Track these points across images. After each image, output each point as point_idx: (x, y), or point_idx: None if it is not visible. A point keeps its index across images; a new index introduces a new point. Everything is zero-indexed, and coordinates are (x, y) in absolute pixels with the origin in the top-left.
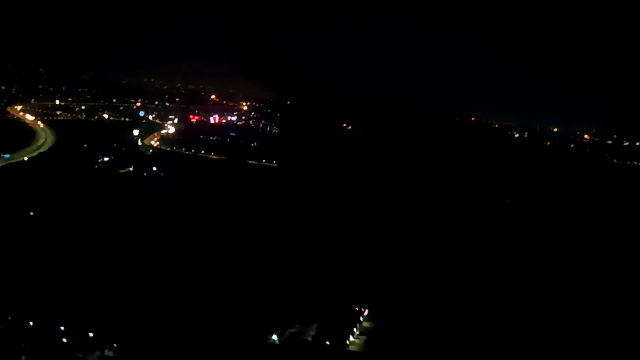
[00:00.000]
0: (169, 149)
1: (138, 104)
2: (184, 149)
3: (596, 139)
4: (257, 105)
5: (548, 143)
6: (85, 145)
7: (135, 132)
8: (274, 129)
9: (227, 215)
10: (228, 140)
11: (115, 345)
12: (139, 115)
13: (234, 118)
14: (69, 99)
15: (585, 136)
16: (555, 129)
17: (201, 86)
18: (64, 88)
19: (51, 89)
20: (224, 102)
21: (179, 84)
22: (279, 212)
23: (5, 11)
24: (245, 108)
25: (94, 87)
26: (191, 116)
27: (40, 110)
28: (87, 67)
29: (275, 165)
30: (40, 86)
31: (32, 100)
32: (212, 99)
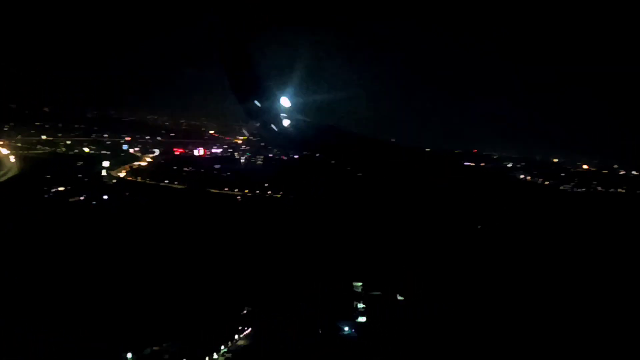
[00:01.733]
0: (136, 179)
1: (127, 139)
2: (148, 179)
3: (594, 169)
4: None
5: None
6: (47, 176)
7: (105, 163)
8: (258, 160)
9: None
10: (202, 170)
11: None
12: (122, 148)
13: (219, 150)
14: (58, 135)
15: (584, 166)
16: (556, 160)
17: (204, 122)
18: (60, 125)
19: (46, 125)
20: (224, 137)
21: (182, 121)
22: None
23: (10, 52)
24: (239, 142)
25: (94, 124)
26: (175, 149)
27: (21, 145)
28: (93, 105)
29: (239, 193)
30: (37, 123)
31: (19, 135)
32: (211, 134)
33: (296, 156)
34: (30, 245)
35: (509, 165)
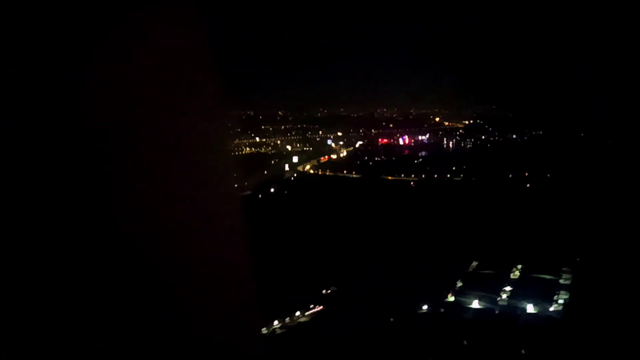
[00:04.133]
0: (318, 171)
1: (337, 134)
2: (328, 171)
3: None
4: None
5: None
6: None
7: (295, 158)
8: (468, 144)
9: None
10: (394, 158)
11: None
12: (327, 143)
13: (425, 137)
14: (274, 136)
15: None
16: None
17: (434, 110)
18: (285, 126)
19: (271, 128)
20: (447, 123)
21: (411, 111)
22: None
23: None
24: (460, 126)
25: (319, 123)
26: (380, 140)
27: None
28: (323, 105)
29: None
30: (263, 126)
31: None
32: (436, 121)
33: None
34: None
35: None
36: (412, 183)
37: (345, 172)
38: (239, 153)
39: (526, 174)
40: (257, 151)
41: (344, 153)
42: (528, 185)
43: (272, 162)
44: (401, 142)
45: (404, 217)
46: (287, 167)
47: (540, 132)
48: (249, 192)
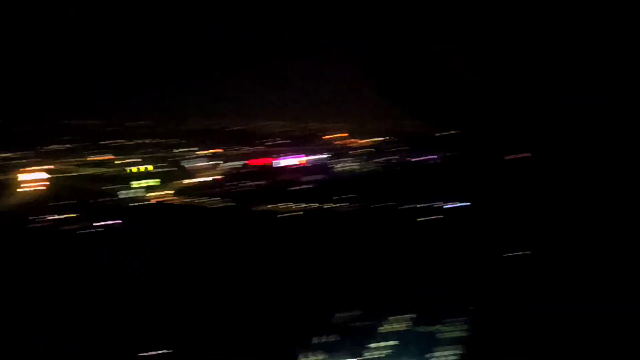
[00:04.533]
0: (174, 199)
1: (202, 152)
2: (182, 198)
3: None
4: (385, 140)
5: None
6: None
7: (140, 182)
8: (367, 167)
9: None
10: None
11: None
12: (190, 163)
13: (317, 157)
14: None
15: None
16: None
17: (336, 125)
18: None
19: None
20: (350, 140)
21: (304, 125)
22: None
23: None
24: (366, 143)
25: (189, 137)
26: (256, 160)
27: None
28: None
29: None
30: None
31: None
32: (335, 136)
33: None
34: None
35: None
36: (285, 215)
37: (208, 199)
38: (59, 176)
39: (432, 204)
40: (91, 174)
41: (211, 175)
42: (425, 218)
43: (103, 188)
44: (283, 163)
45: (261, 256)
46: (125, 194)
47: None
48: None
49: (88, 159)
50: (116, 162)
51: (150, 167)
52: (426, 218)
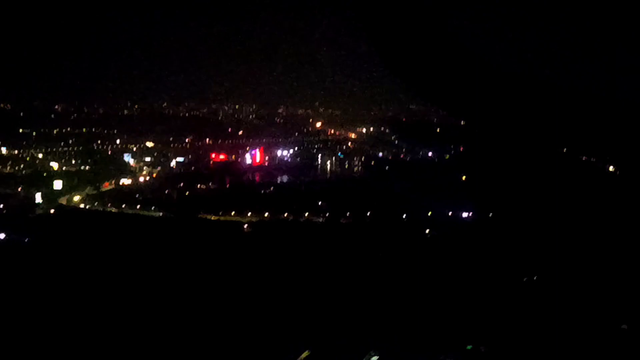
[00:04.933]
0: (95, 205)
1: (140, 145)
2: (111, 204)
3: None
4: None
5: None
6: None
7: (58, 183)
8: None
9: None
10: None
11: None
12: (123, 159)
13: (289, 153)
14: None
15: None
16: None
17: (312, 110)
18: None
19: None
20: (333, 130)
21: (279, 110)
22: None
23: None
24: (352, 136)
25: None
26: (214, 155)
27: None
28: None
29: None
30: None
31: None
32: (313, 125)
33: None
34: None
35: None
36: (245, 226)
37: (139, 206)
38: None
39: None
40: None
41: (147, 175)
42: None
43: (18, 189)
44: (248, 160)
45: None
46: (40, 198)
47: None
48: None
49: None
50: (28, 157)
51: (70, 165)
52: (427, 233)
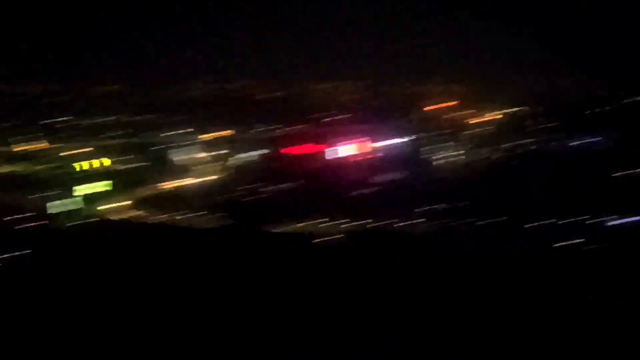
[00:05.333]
0: (138, 215)
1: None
2: (157, 212)
3: None
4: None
5: None
6: None
7: (89, 186)
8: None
9: None
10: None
11: None
12: (178, 153)
13: (398, 141)
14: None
15: None
16: None
17: (432, 87)
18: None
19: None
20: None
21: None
22: None
23: None
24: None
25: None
26: (286, 149)
27: None
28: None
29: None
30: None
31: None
32: (429, 106)
33: None
34: None
35: None
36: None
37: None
38: None
39: None
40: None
41: (212, 174)
42: None
43: (36, 194)
44: (341, 153)
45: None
46: (57, 207)
47: None
48: None
49: (14, 149)
50: (54, 153)
51: (106, 161)
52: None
